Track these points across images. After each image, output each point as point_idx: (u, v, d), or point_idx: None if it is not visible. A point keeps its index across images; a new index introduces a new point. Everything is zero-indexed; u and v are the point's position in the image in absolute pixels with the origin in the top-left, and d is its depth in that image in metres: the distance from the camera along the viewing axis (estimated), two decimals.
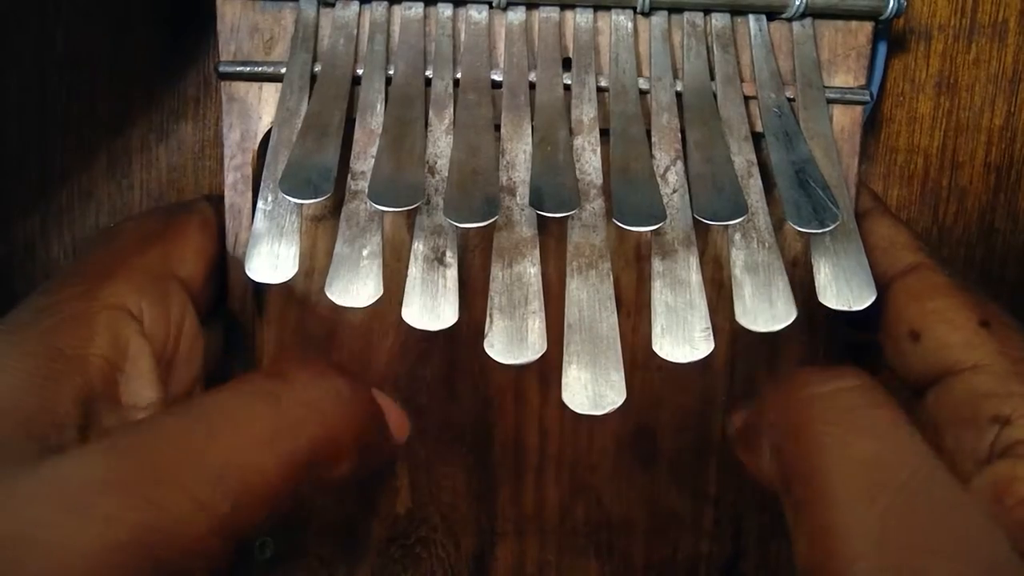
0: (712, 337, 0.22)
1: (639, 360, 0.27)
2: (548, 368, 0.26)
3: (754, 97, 0.26)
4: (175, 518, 0.16)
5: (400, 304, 0.22)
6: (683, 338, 0.22)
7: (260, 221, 0.23)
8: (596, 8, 0.27)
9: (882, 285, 0.24)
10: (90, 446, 0.18)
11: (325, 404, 0.20)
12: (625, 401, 0.21)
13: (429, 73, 0.26)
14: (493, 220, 0.21)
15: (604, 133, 0.25)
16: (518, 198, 0.24)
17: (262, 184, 0.24)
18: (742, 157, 0.25)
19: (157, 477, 0.17)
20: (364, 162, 0.24)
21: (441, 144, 0.25)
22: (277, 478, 0.18)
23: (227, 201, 0.26)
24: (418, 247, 0.23)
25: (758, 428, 0.21)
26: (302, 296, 0.27)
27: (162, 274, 0.23)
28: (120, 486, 0.16)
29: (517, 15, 0.26)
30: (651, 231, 0.22)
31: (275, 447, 0.18)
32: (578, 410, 0.21)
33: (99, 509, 0.16)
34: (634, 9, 0.26)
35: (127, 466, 0.17)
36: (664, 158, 0.25)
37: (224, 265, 0.26)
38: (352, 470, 0.20)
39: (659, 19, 0.27)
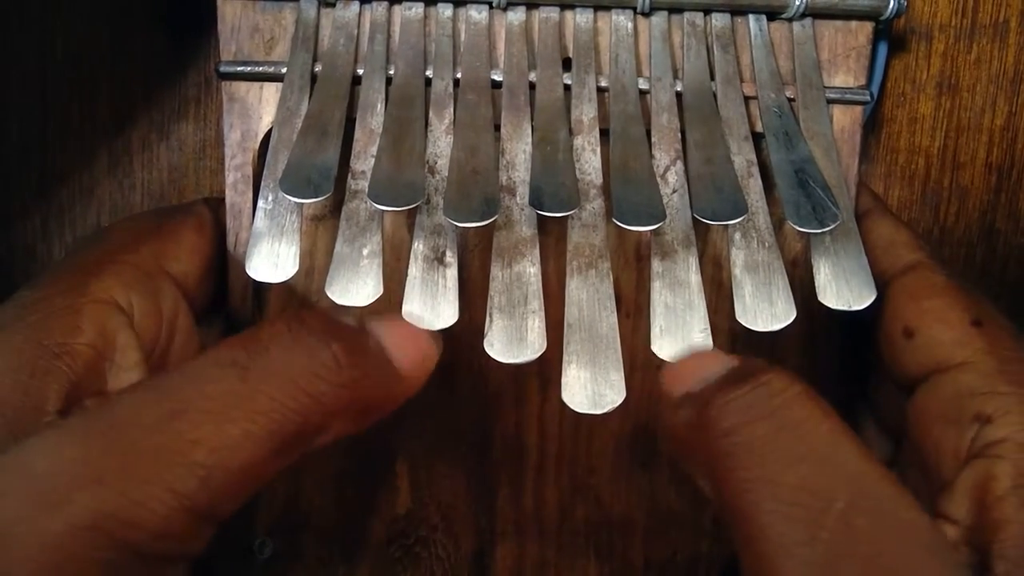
0: (711, 337, 0.22)
1: (639, 360, 0.27)
2: (548, 368, 0.27)
3: (754, 97, 0.26)
4: (138, 500, 0.16)
5: (400, 303, 0.22)
6: (682, 338, 0.22)
7: (261, 220, 0.23)
8: (596, 8, 0.27)
9: (882, 284, 0.24)
10: (52, 432, 0.17)
11: (298, 372, 0.18)
12: (625, 401, 0.21)
13: (429, 73, 0.26)
14: (493, 220, 0.21)
15: (604, 133, 0.25)
16: (518, 198, 0.24)
17: (262, 184, 0.24)
18: (742, 157, 0.25)
19: (117, 458, 0.16)
20: (364, 162, 0.24)
21: (441, 144, 0.25)
22: (250, 454, 0.17)
23: (228, 201, 0.26)
24: (418, 246, 0.23)
25: (686, 451, 0.19)
26: (302, 295, 0.27)
27: (153, 271, 0.23)
28: (79, 470, 0.16)
29: (517, 15, 0.26)
30: (651, 231, 0.22)
31: (244, 422, 0.17)
32: (578, 409, 0.21)
33: (58, 496, 0.16)
34: (634, 9, 0.26)
35: (88, 450, 0.16)
36: (664, 158, 0.25)
37: (224, 265, 0.26)
38: (354, 427, 0.19)
39: (659, 19, 0.27)
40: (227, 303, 0.26)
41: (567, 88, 0.26)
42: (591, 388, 0.21)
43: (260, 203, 0.23)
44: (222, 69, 0.26)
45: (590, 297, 0.22)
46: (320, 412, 0.18)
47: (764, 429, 0.17)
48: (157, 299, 0.22)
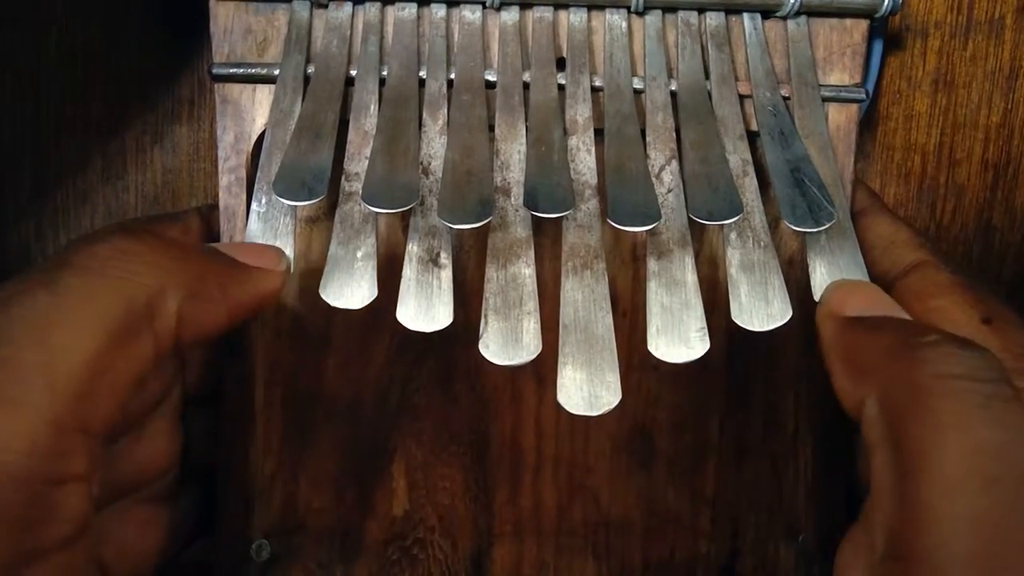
0: (708, 337, 0.22)
1: (635, 360, 0.27)
2: (544, 369, 0.26)
3: (749, 96, 0.26)
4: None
5: (395, 305, 0.22)
6: (679, 338, 0.22)
7: (254, 223, 0.23)
8: (590, 8, 0.26)
9: (885, 284, 0.24)
10: None
11: (134, 264, 0.19)
12: (621, 401, 0.21)
13: (423, 74, 0.26)
14: (487, 221, 0.21)
15: (599, 133, 0.25)
16: (512, 199, 0.24)
17: (256, 186, 0.24)
18: (737, 156, 0.25)
19: None
20: (358, 163, 0.24)
21: (435, 145, 0.25)
22: (88, 353, 0.17)
23: (221, 203, 0.26)
24: (412, 248, 0.23)
25: (865, 367, 0.20)
26: (297, 297, 0.27)
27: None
28: None
29: (511, 15, 0.26)
30: (646, 231, 0.22)
31: (77, 323, 0.18)
32: (573, 411, 0.21)
33: None
34: (628, 8, 0.26)
35: None
36: (659, 158, 0.25)
37: None
38: (210, 313, 0.20)
39: (653, 18, 0.27)
40: None
41: (561, 88, 0.25)
42: (587, 389, 0.21)
43: (254, 206, 0.23)
44: (215, 71, 0.26)
45: (586, 298, 0.22)
46: (151, 296, 0.19)
47: (978, 389, 0.18)
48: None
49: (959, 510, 0.17)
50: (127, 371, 0.18)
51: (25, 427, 0.16)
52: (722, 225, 0.23)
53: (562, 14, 0.27)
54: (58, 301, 0.18)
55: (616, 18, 0.26)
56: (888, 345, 0.20)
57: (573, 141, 0.25)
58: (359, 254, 0.23)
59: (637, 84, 0.26)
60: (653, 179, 0.24)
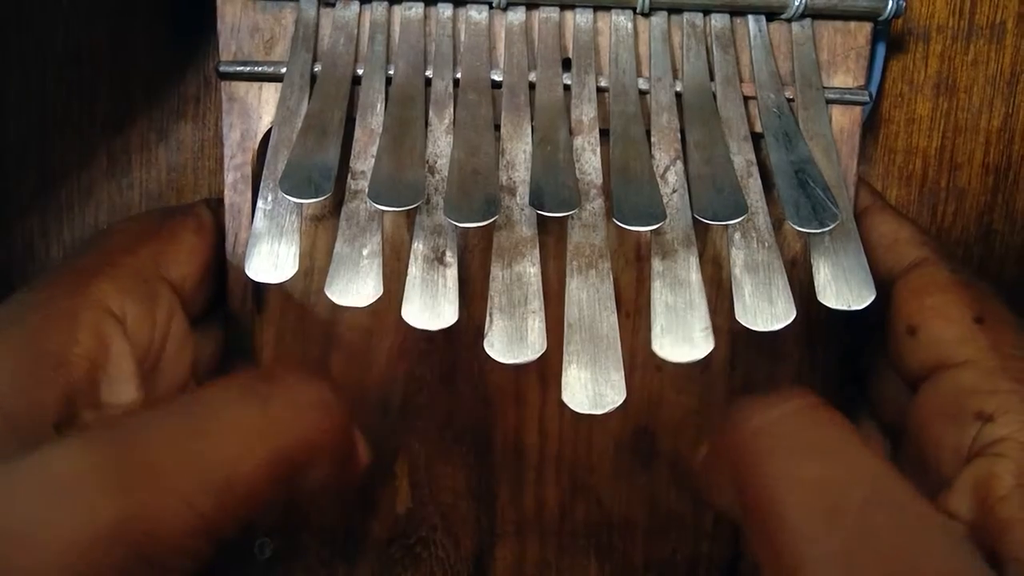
0: (712, 337, 0.22)
1: (639, 360, 0.27)
2: (548, 368, 0.27)
3: (753, 97, 0.26)
4: (158, 513, 0.16)
5: (400, 304, 0.22)
6: (683, 338, 0.22)
7: (260, 221, 0.23)
8: (596, 8, 0.27)
9: (887, 282, 0.24)
10: (74, 438, 0.17)
11: (311, 409, 0.19)
12: (625, 401, 0.21)
13: (429, 73, 0.26)
14: (493, 220, 0.21)
15: (604, 133, 0.25)
16: (518, 198, 0.24)
17: (262, 184, 0.24)
18: (742, 157, 0.25)
19: (141, 470, 0.16)
20: (364, 162, 0.24)
21: (441, 144, 0.25)
22: (259, 478, 0.18)
23: (227, 201, 0.26)
24: (418, 247, 0.23)
25: (715, 465, 0.21)
26: (302, 296, 0.27)
27: (150, 275, 0.23)
28: (103, 478, 0.16)
29: (517, 15, 0.26)
30: (651, 231, 0.22)
31: (260, 447, 0.18)
32: (578, 410, 0.21)
33: (82, 501, 0.16)
34: (634, 9, 0.26)
35: (111, 459, 0.17)
36: (664, 158, 0.25)
37: (223, 266, 0.26)
38: (322, 481, 0.20)
39: (659, 19, 0.27)
40: (226, 304, 0.26)
41: (567, 88, 0.26)
42: (592, 388, 0.21)
43: (260, 203, 0.23)
44: (222, 69, 0.26)
45: (590, 297, 0.22)
46: (315, 449, 0.19)
47: (788, 428, 0.18)
48: (152, 305, 0.22)
49: (818, 560, 0.16)
50: (269, 501, 0.18)
51: (182, 525, 0.16)
52: (726, 225, 0.23)
53: (568, 14, 0.27)
54: (267, 417, 0.18)
55: (622, 19, 0.27)
56: (720, 444, 0.20)
57: (578, 141, 0.25)
58: (365, 252, 0.23)
59: (642, 85, 0.26)
60: (658, 179, 0.24)
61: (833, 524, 0.16)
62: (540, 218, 0.23)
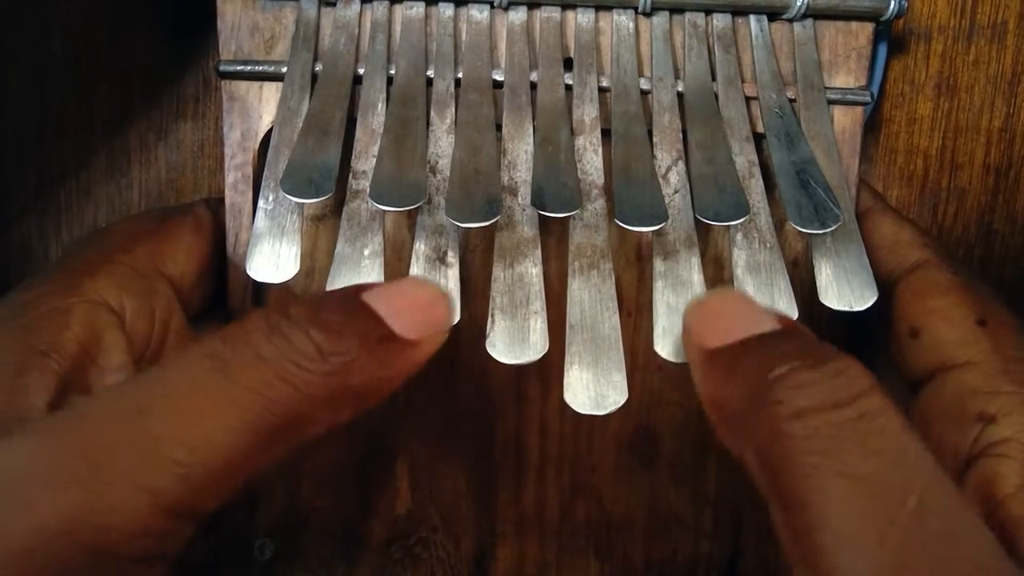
0: None
1: (640, 360, 0.27)
2: (549, 368, 0.27)
3: (755, 98, 0.26)
4: (111, 502, 0.15)
5: None
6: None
7: (261, 221, 0.23)
8: (597, 8, 0.26)
9: (889, 284, 0.24)
10: (22, 434, 0.16)
11: (278, 362, 0.17)
12: (626, 401, 0.21)
13: (430, 73, 0.26)
14: (495, 220, 0.21)
15: (605, 133, 0.25)
16: (520, 198, 0.24)
17: (263, 183, 0.24)
18: (743, 157, 0.25)
19: (89, 459, 0.15)
20: (365, 161, 0.24)
21: (443, 144, 0.25)
22: (232, 451, 0.16)
23: (228, 201, 0.26)
24: (419, 247, 0.23)
25: (732, 417, 0.18)
26: (303, 295, 0.27)
27: (148, 272, 0.23)
28: (48, 474, 0.15)
29: (518, 15, 0.26)
30: (653, 231, 0.22)
31: (222, 416, 0.16)
32: (580, 410, 0.21)
33: (24, 499, 0.15)
34: (635, 9, 0.26)
35: (57, 450, 0.16)
36: (666, 158, 0.25)
37: (223, 266, 0.26)
38: (350, 414, 0.18)
39: (660, 19, 0.27)
40: (226, 304, 0.26)
41: (568, 88, 0.26)
42: (593, 389, 0.21)
43: (260, 203, 0.23)
44: (222, 68, 0.26)
45: (592, 297, 0.22)
46: (305, 402, 0.17)
47: (840, 417, 0.16)
48: (150, 301, 0.22)
49: (864, 570, 0.15)
50: (256, 470, 0.17)
51: (140, 512, 0.15)
52: (728, 226, 0.23)
53: (570, 14, 0.27)
54: (225, 381, 0.17)
55: (623, 19, 0.26)
56: (748, 386, 0.17)
57: (580, 141, 0.25)
58: (366, 252, 0.23)
59: (644, 85, 0.26)
60: (660, 180, 0.24)
61: (886, 530, 0.15)
62: (542, 218, 0.23)
